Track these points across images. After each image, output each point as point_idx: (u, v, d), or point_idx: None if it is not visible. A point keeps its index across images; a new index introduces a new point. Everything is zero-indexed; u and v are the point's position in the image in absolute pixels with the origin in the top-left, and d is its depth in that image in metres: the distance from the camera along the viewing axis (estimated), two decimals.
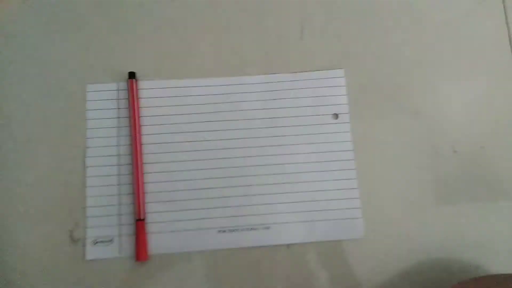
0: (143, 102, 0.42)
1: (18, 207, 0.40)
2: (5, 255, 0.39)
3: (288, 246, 0.40)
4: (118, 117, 0.42)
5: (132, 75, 0.42)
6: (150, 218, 0.40)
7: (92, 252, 0.39)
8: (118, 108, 0.42)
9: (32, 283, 0.38)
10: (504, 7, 0.45)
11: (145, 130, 0.41)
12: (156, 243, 0.39)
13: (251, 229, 0.40)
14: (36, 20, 0.44)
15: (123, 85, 0.42)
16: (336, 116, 0.43)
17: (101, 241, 0.39)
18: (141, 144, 0.41)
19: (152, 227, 0.40)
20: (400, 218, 0.41)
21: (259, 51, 0.44)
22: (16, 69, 0.43)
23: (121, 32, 0.44)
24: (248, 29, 0.45)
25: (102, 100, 0.42)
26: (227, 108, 0.43)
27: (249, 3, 0.46)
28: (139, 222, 0.39)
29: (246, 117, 0.43)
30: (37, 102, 0.42)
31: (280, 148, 0.42)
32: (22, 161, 0.41)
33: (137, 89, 0.42)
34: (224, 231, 0.40)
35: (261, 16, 0.45)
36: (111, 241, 0.39)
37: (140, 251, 0.38)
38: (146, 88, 0.42)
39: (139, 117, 0.41)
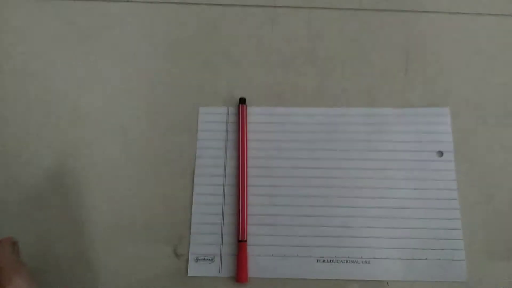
0: (250, 127, 0.43)
1: (127, 218, 0.42)
2: (110, 265, 0.40)
3: (388, 283, 0.39)
4: (226, 139, 0.43)
5: (242, 100, 0.43)
6: (251, 240, 0.40)
7: (194, 269, 0.40)
8: (227, 131, 0.44)
9: None
10: None
11: (251, 153, 0.43)
12: (255, 266, 0.40)
13: (350, 261, 0.40)
14: (158, 45, 0.47)
15: (232, 109, 0.44)
16: (441, 153, 0.43)
17: (203, 259, 0.40)
18: (247, 167, 0.42)
19: (252, 250, 0.40)
20: (506, 264, 0.39)
21: (363, 84, 0.45)
22: (133, 86, 0.46)
23: (232, 59, 0.46)
24: (353, 62, 0.46)
25: (213, 122, 0.44)
26: (331, 137, 0.43)
27: (355, 37, 0.47)
28: (241, 243, 0.40)
29: (348, 148, 0.43)
30: (152, 119, 0.44)
31: (382, 181, 0.42)
32: (133, 174, 0.43)
33: (246, 114, 0.43)
34: (323, 261, 0.40)
35: (366, 50, 0.46)
36: (212, 259, 0.40)
37: (240, 273, 0.39)
38: (254, 113, 0.44)
39: (247, 140, 0.43)
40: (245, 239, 0.40)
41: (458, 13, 0.47)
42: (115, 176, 0.43)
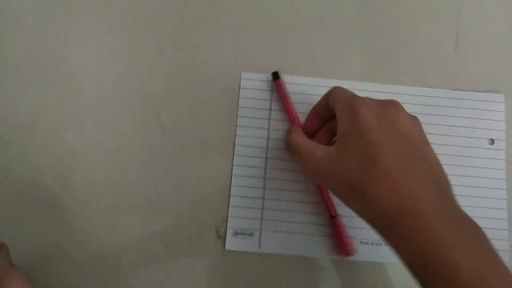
0: (293, 97, 0.41)
1: (166, 197, 0.39)
2: (151, 248, 0.38)
3: None
4: (270, 109, 0.41)
5: (276, 75, 0.40)
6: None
7: (232, 243, 0.38)
8: (271, 100, 0.41)
9: (173, 276, 0.38)
10: None
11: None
12: (295, 245, 0.38)
13: None
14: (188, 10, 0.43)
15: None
16: (492, 141, 0.41)
17: (242, 233, 0.38)
18: None
19: (293, 227, 0.38)
20: None
21: (410, 60, 0.43)
22: (167, 54, 0.42)
23: (272, 27, 0.43)
24: (401, 36, 0.44)
25: (255, 90, 0.41)
26: None
27: (402, 10, 0.44)
28: (335, 219, 0.38)
29: None
30: (189, 88, 0.41)
31: None
32: (169, 157, 0.40)
33: (283, 88, 0.40)
34: (367, 243, 0.38)
35: (414, 24, 0.44)
36: (252, 234, 0.38)
37: (346, 247, 0.37)
38: (296, 83, 0.41)
39: (295, 112, 0.40)
40: (335, 214, 0.38)
41: None
42: (153, 149, 0.40)
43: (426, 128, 0.39)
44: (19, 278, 0.30)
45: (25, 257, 0.36)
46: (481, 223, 0.37)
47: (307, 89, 0.41)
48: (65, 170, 0.39)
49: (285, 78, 0.41)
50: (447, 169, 0.39)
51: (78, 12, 0.42)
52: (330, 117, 0.35)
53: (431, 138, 0.39)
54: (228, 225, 0.38)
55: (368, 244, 0.39)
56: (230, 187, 0.39)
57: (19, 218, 0.38)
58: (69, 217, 0.38)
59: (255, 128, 0.40)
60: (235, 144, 0.40)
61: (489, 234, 0.37)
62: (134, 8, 0.43)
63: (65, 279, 0.37)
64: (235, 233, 0.38)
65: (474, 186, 0.40)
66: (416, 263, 0.26)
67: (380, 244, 0.38)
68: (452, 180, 0.38)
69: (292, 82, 0.41)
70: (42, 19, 0.42)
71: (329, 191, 0.38)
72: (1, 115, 0.40)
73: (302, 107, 0.40)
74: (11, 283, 0.29)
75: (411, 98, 0.42)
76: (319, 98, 0.37)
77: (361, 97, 0.31)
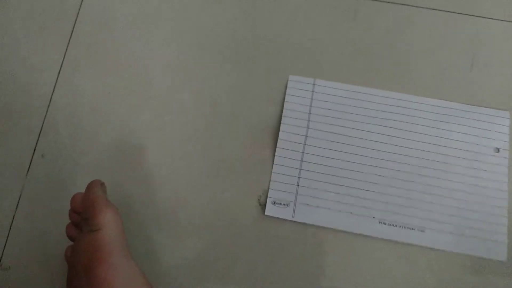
0: (329, 98, 0.49)
1: (221, 171, 0.48)
2: (205, 209, 0.47)
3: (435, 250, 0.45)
4: (311, 105, 0.49)
5: None
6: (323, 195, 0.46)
7: (270, 210, 0.45)
8: (312, 98, 0.49)
9: (219, 232, 0.45)
10: None
11: (332, 121, 0.48)
12: (323, 218, 0.45)
13: (408, 228, 0.45)
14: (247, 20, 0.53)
15: (318, 81, 0.50)
16: (497, 150, 0.48)
17: (279, 203, 0.45)
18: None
19: (322, 203, 0.46)
20: None
21: (431, 75, 0.51)
22: (225, 53, 0.52)
23: (314, 39, 0.52)
24: (425, 55, 0.52)
25: (299, 89, 0.50)
26: (402, 119, 0.49)
27: (428, 33, 0.52)
28: None
29: (416, 131, 0.48)
30: (244, 84, 0.50)
31: (442, 165, 0.48)
32: (223, 137, 0.49)
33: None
34: (384, 223, 0.45)
35: (437, 46, 0.52)
36: (287, 205, 0.45)
37: None
38: (332, 87, 0.50)
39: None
40: None
41: None
42: (205, 136, 0.49)
43: (441, 134, 0.47)
44: (113, 211, 0.37)
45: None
46: (485, 216, 0.44)
47: (340, 92, 0.50)
48: (140, 139, 0.48)
49: (323, 82, 0.50)
50: (457, 170, 0.46)
51: (161, 31, 0.53)
52: None
53: (444, 143, 0.47)
54: (269, 195, 0.46)
55: (386, 224, 0.45)
56: (273, 165, 0.47)
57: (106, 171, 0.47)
58: (145, 173, 0.47)
59: (297, 119, 0.49)
60: (280, 130, 0.48)
61: (491, 227, 0.44)
62: (205, 29, 0.53)
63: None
64: (274, 203, 0.46)
65: (480, 186, 0.47)
66: None
67: (395, 226, 0.45)
68: (461, 178, 0.46)
69: (329, 86, 0.50)
70: (135, 37, 0.53)
71: None
72: (100, 100, 0.50)
73: (337, 107, 0.49)
74: (107, 213, 0.36)
75: (429, 108, 0.50)
76: (354, 102, 0.48)
77: None
